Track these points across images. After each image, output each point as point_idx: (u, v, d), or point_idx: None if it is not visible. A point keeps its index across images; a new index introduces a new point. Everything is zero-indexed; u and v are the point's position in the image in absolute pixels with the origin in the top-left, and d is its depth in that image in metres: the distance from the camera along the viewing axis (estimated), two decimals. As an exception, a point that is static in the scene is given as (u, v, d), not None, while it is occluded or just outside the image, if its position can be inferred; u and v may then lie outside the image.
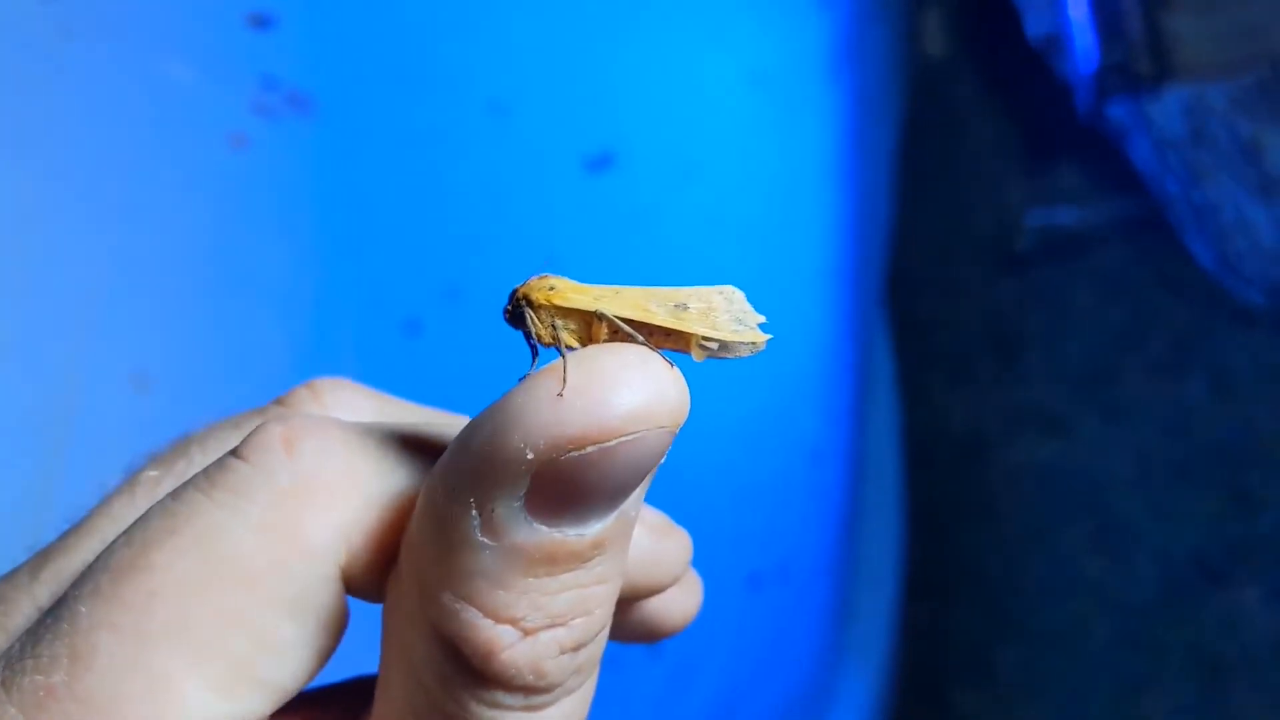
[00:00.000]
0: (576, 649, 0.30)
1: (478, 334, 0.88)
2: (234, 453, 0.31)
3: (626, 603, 0.32)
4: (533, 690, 0.30)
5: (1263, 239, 1.40)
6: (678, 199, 0.97)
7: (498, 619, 0.28)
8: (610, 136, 0.93)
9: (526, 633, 0.29)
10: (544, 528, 0.28)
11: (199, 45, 0.79)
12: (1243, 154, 1.40)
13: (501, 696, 0.30)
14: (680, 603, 0.42)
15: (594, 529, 0.28)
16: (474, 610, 0.28)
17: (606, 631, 0.31)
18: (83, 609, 0.29)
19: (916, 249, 1.49)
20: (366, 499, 0.31)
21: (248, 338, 0.81)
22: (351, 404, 0.38)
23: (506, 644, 0.29)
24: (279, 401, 0.38)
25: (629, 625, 0.40)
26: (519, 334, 0.34)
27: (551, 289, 0.33)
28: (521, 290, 0.34)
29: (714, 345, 0.34)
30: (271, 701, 0.30)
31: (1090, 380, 1.45)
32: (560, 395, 0.27)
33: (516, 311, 0.34)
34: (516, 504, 0.28)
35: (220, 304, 0.80)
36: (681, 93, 0.97)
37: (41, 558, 0.34)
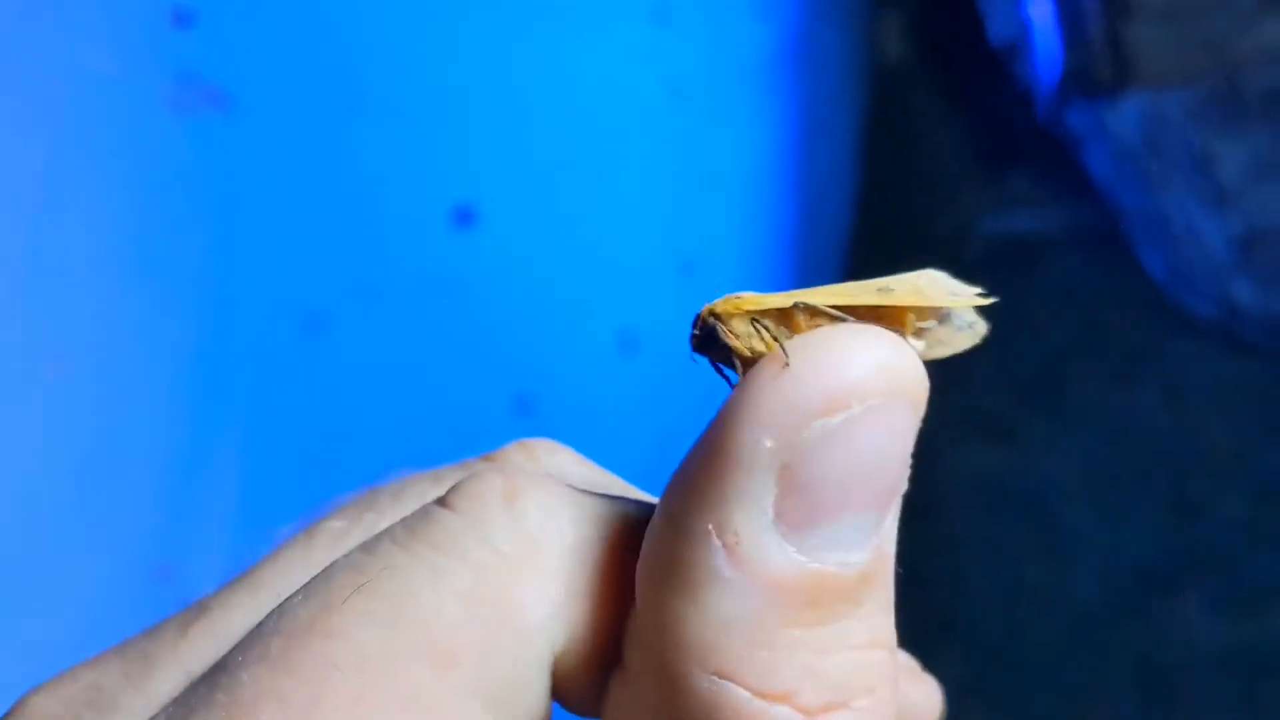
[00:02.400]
0: None
1: (385, 333, 0.90)
2: (440, 501, 0.26)
3: None
4: None
5: (1212, 251, 1.40)
6: (593, 206, 0.97)
7: (767, 696, 0.23)
8: (508, 158, 0.93)
9: (807, 715, 0.23)
10: (800, 556, 0.23)
11: (121, 39, 0.80)
12: (1195, 165, 1.41)
13: None
14: None
15: (856, 558, 0.24)
16: (736, 689, 0.23)
17: None
18: (245, 677, 0.24)
19: (872, 252, 1.49)
20: (592, 573, 0.26)
21: (151, 329, 0.81)
22: (567, 469, 0.33)
23: None
24: (487, 458, 0.34)
25: None
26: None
27: (739, 297, 0.31)
28: (706, 309, 0.31)
29: (931, 324, 0.32)
30: None
31: (1039, 388, 1.46)
32: (787, 366, 0.24)
33: (706, 330, 0.30)
34: (765, 517, 0.23)
35: (126, 295, 0.80)
36: (596, 104, 0.97)
37: (194, 612, 0.29)
